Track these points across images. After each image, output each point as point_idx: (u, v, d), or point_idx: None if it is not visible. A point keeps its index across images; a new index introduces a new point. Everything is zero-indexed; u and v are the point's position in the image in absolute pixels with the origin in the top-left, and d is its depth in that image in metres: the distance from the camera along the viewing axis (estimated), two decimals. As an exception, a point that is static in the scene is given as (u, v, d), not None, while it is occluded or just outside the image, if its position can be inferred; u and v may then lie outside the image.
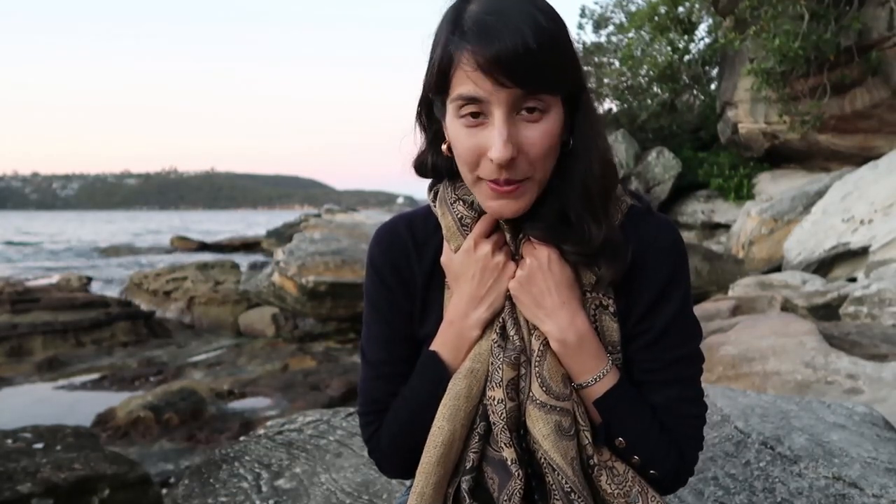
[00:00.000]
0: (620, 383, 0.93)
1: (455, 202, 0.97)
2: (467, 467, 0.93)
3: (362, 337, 1.05)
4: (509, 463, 0.90)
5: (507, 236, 0.95)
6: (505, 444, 0.91)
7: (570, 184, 0.89)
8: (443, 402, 0.94)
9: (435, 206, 1.00)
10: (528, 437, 0.92)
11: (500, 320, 0.95)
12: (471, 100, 0.82)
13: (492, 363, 0.93)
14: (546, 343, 0.92)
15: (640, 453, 0.94)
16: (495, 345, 0.94)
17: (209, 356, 7.97)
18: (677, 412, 0.96)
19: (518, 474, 0.89)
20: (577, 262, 0.92)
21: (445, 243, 0.98)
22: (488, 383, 0.93)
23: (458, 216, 0.96)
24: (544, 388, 0.91)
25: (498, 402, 0.91)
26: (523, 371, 0.93)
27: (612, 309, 0.95)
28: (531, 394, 0.91)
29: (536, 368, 0.91)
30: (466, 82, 0.82)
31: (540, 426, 0.90)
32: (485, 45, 0.79)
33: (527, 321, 0.94)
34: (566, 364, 0.93)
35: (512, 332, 0.94)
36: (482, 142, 0.84)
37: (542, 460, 0.90)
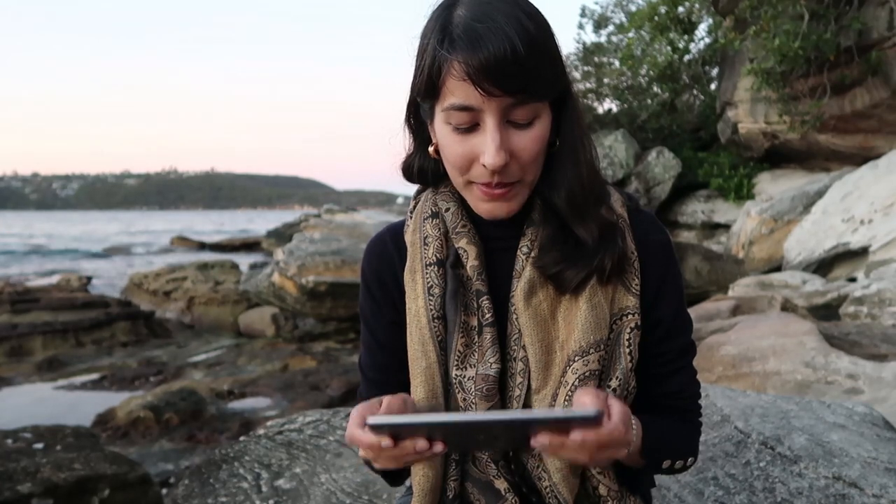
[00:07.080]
0: (646, 429, 0.89)
1: (428, 218, 0.96)
2: (449, 497, 0.93)
3: None
4: (503, 492, 0.90)
5: (485, 301, 0.91)
6: (494, 476, 0.91)
7: (557, 185, 0.89)
8: None
9: (410, 219, 1.00)
10: (528, 464, 0.92)
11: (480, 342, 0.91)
12: (463, 108, 0.82)
13: (463, 399, 0.91)
14: (582, 378, 0.87)
15: (683, 457, 0.96)
16: (463, 378, 0.91)
17: (209, 356, 7.96)
18: (688, 393, 0.99)
19: (515, 502, 0.90)
20: (594, 279, 0.89)
21: (409, 259, 0.97)
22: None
23: (424, 236, 0.96)
24: None
25: None
26: (515, 391, 0.90)
27: (638, 322, 0.92)
28: None
29: (566, 403, 0.87)
30: (457, 91, 0.81)
31: (553, 459, 0.88)
32: (475, 54, 0.78)
33: (547, 346, 0.89)
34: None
35: (518, 356, 0.90)
36: (474, 147, 0.84)
37: (548, 490, 0.90)
